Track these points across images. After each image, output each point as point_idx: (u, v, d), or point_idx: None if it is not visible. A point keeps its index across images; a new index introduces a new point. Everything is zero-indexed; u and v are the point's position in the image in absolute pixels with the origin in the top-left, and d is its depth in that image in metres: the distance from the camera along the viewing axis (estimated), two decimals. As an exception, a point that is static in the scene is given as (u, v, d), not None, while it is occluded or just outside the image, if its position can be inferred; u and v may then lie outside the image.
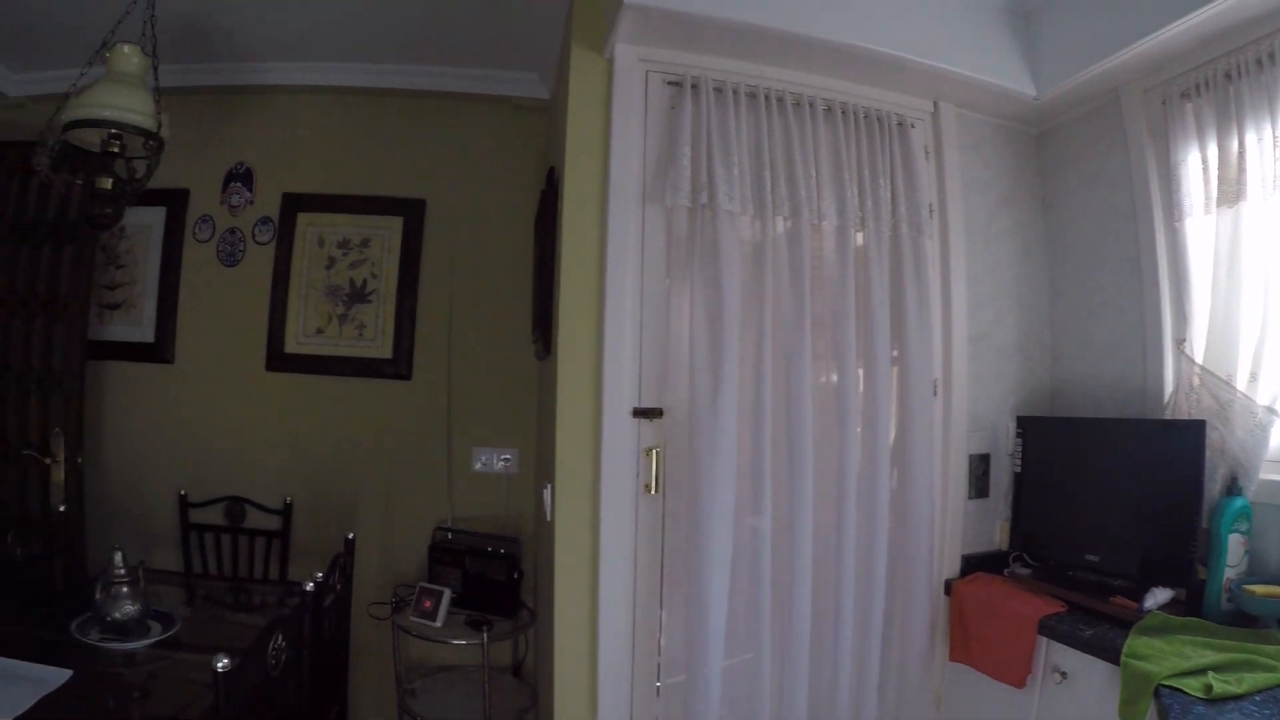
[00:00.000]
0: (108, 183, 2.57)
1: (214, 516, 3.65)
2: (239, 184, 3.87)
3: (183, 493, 3.62)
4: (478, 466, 3.73)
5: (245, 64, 3.75)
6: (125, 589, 2.53)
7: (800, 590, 2.56)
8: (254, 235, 3.85)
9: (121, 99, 2.51)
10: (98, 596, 2.53)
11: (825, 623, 2.65)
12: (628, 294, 2.49)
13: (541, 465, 3.29)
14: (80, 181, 2.64)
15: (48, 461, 3.51)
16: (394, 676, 3.51)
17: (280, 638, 2.11)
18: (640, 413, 2.49)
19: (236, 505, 3.65)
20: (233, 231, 3.86)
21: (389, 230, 3.81)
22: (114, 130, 2.55)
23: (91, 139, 2.64)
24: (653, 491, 2.50)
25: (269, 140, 3.88)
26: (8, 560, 2.96)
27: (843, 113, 2.75)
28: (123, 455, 3.86)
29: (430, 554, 3.41)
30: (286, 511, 3.60)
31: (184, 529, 3.59)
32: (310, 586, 2.36)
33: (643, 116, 2.58)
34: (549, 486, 2.59)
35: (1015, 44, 2.97)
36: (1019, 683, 2.48)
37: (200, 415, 3.82)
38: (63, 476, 3.50)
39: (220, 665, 1.75)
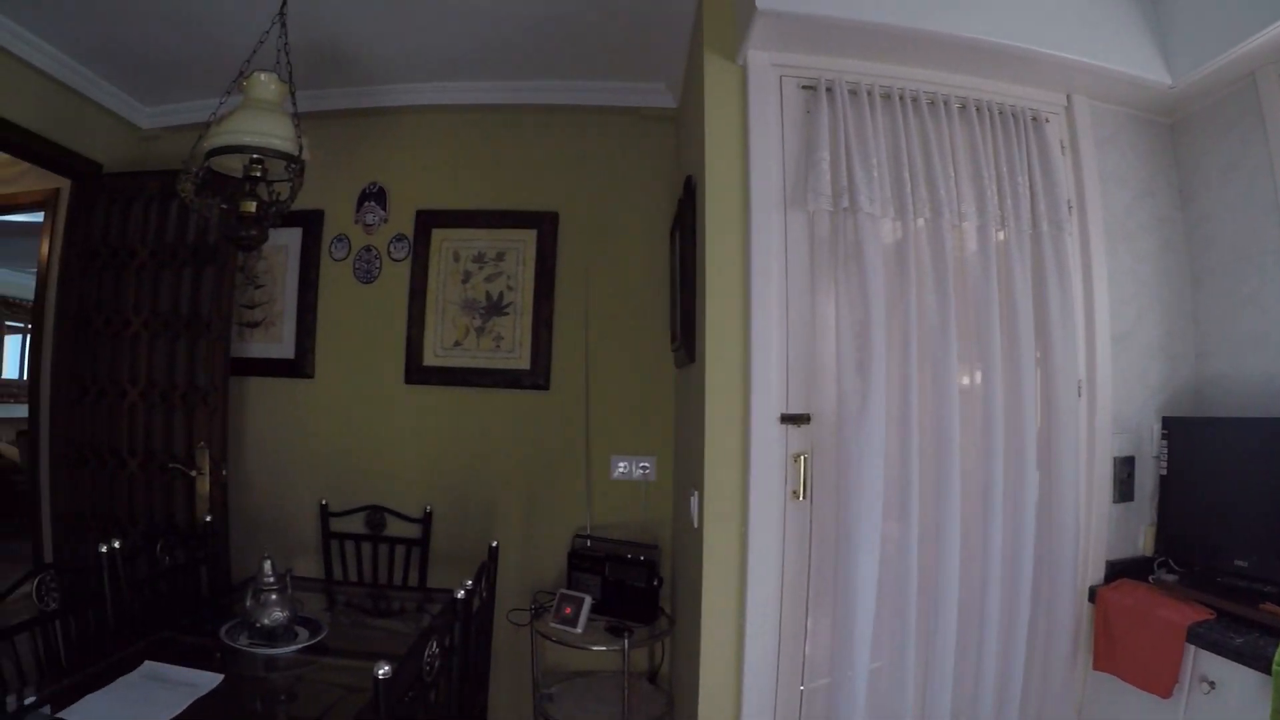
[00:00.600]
0: (251, 206, 2.62)
1: (354, 525, 3.69)
2: (373, 203, 3.94)
3: (324, 502, 3.68)
4: (616, 474, 3.70)
5: (375, 86, 3.82)
6: (274, 596, 2.58)
7: (946, 597, 2.48)
8: (389, 252, 3.92)
9: (262, 125, 2.55)
10: (248, 603, 2.58)
11: (970, 629, 2.56)
12: (773, 299, 2.44)
13: (680, 472, 3.27)
14: (225, 206, 2.68)
15: (193, 474, 3.60)
16: (531, 681, 3.51)
17: (435, 644, 2.10)
18: (788, 419, 2.43)
19: (377, 514, 3.69)
20: (368, 249, 3.93)
21: (523, 243, 3.82)
22: (255, 155, 2.59)
23: (234, 165, 2.70)
24: (800, 497, 2.44)
25: (400, 159, 3.94)
26: (157, 568, 3.02)
27: (977, 110, 2.66)
28: (265, 467, 3.96)
29: (569, 561, 3.40)
30: (426, 520, 3.63)
31: (325, 537, 3.65)
32: (461, 594, 2.35)
33: (779, 122, 2.53)
34: (696, 493, 2.55)
35: (1145, 30, 2.82)
36: (1165, 693, 2.35)
37: (340, 427, 3.90)
38: (207, 488, 3.59)
39: (381, 673, 1.73)
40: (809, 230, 2.50)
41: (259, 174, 2.64)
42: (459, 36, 3.32)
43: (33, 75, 3.52)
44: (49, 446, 4.00)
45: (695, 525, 2.59)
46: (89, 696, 2.06)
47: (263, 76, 2.66)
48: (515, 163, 3.87)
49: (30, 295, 9.04)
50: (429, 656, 2.06)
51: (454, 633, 2.25)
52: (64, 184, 4.13)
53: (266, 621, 2.53)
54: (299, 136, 2.62)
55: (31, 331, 4.47)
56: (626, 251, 3.77)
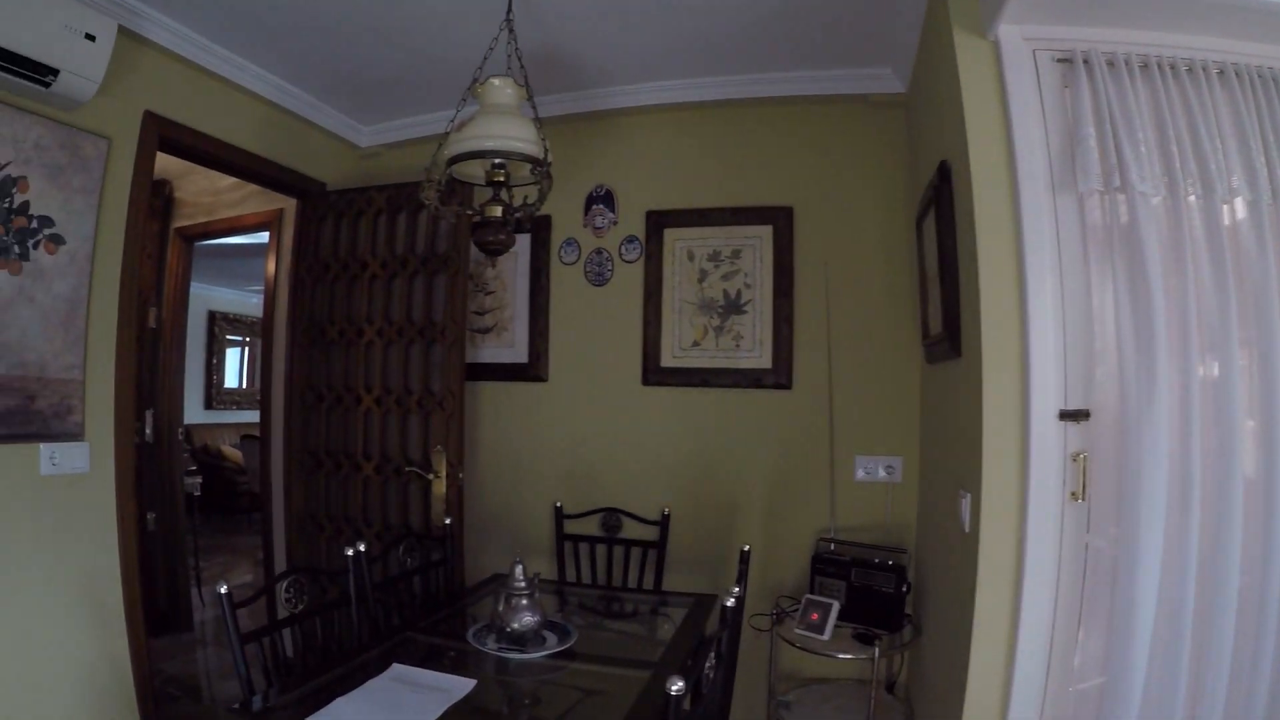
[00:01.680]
0: (498, 211, 2.54)
1: (588, 527, 3.61)
2: (601, 206, 3.86)
3: (558, 504, 3.59)
4: (860, 475, 3.45)
5: (594, 90, 3.73)
6: (524, 600, 2.48)
7: (1224, 605, 2.16)
8: (620, 254, 3.83)
9: (504, 129, 2.45)
10: (499, 607, 2.49)
11: (1244, 647, 2.23)
12: (1047, 287, 2.20)
13: (929, 472, 3.06)
14: (470, 212, 2.61)
15: (430, 477, 3.59)
16: (766, 687, 3.32)
17: (714, 654, 1.97)
18: (1066, 415, 2.18)
19: (612, 516, 3.60)
20: (599, 252, 3.86)
21: (759, 240, 3.64)
22: (498, 160, 2.50)
23: (474, 171, 2.65)
24: (1079, 499, 2.18)
25: (626, 161, 3.85)
26: (401, 570, 3.02)
27: (1236, 74, 2.32)
28: (498, 469, 3.94)
29: (813, 565, 3.19)
30: (664, 522, 3.48)
31: (559, 539, 3.56)
32: (730, 601, 2.20)
33: (1038, 99, 2.28)
34: (968, 496, 2.33)
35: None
36: None
37: (575, 430, 3.84)
38: (444, 490, 3.57)
39: (675, 689, 1.58)
40: (1079, 212, 2.24)
41: (502, 179, 2.56)
42: (676, 33, 3.17)
43: (257, 103, 3.61)
44: (283, 450, 4.08)
45: (967, 529, 2.37)
46: (339, 700, 2.00)
47: (497, 81, 2.57)
48: (743, 158, 3.69)
49: (245, 311, 9.67)
50: (709, 667, 1.93)
51: (721, 641, 2.09)
52: (288, 204, 4.22)
53: (517, 626, 2.44)
54: (542, 139, 2.52)
55: (260, 344, 4.61)
56: (864, 243, 3.51)
